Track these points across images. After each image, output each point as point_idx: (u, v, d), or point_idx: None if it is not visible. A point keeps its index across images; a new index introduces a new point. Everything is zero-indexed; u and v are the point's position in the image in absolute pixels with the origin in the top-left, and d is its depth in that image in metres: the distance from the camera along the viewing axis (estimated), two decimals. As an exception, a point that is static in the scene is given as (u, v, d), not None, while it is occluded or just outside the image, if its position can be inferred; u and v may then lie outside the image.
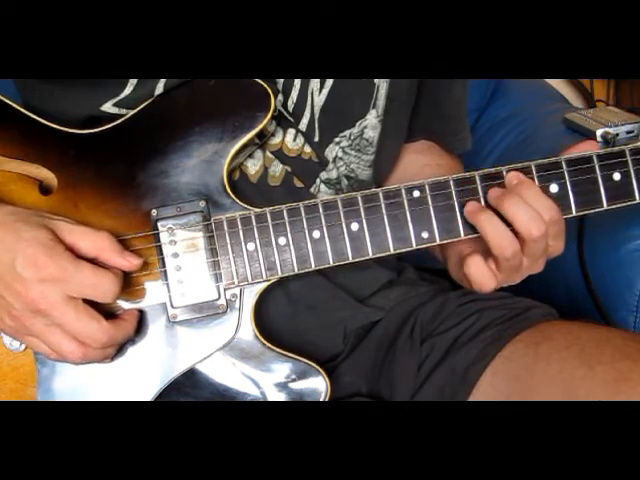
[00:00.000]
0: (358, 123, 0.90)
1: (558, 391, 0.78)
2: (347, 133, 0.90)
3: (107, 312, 0.75)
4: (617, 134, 1.24)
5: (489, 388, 0.84)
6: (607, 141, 1.23)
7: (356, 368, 0.94)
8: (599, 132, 1.25)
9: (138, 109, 0.81)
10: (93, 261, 0.74)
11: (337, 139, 0.89)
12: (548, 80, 1.61)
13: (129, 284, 0.77)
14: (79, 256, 0.73)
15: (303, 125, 0.87)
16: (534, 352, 0.83)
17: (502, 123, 1.46)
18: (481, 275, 0.78)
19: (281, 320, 0.87)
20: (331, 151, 0.89)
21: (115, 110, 0.83)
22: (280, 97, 0.85)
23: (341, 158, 0.90)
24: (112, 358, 0.77)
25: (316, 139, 0.88)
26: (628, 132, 1.24)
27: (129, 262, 0.75)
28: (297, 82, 0.86)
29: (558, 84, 1.68)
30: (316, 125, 0.88)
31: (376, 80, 0.89)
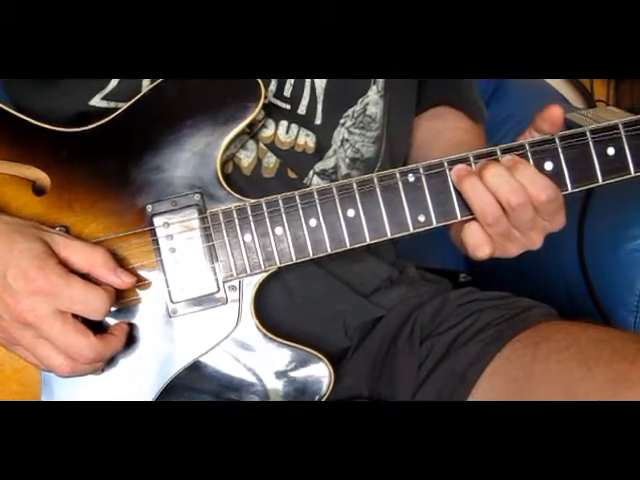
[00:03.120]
0: (360, 100, 0.91)
1: (557, 392, 0.78)
2: (350, 112, 0.90)
3: (97, 324, 0.75)
4: (617, 134, 1.24)
5: (488, 388, 0.84)
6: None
7: (357, 369, 0.93)
8: (599, 132, 1.25)
9: (128, 104, 0.80)
10: (86, 276, 0.73)
11: (342, 120, 0.90)
12: (548, 80, 1.61)
13: None
14: (72, 271, 0.72)
15: (303, 108, 0.87)
16: (533, 353, 0.83)
17: (502, 123, 1.46)
18: (476, 241, 0.78)
19: (281, 312, 0.87)
20: (338, 134, 0.90)
21: (104, 104, 0.84)
22: (273, 87, 0.85)
23: (347, 140, 0.91)
24: (102, 371, 0.77)
25: (318, 122, 0.88)
26: (628, 132, 1.24)
27: (121, 280, 0.75)
28: None
29: (558, 84, 1.69)
30: (318, 108, 0.88)
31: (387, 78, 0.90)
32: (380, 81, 0.92)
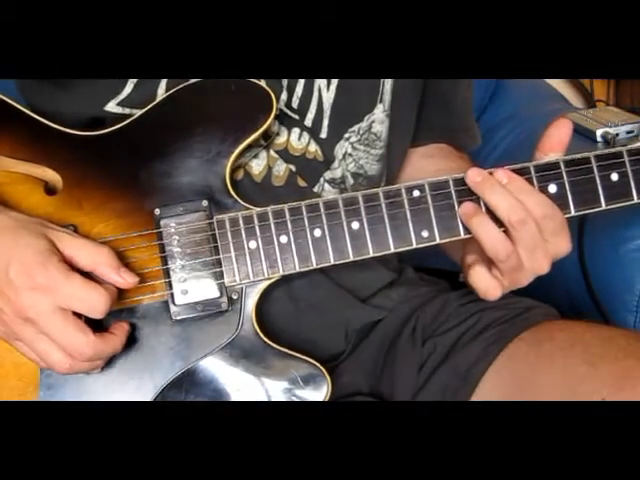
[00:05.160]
0: (366, 117, 0.91)
1: (561, 389, 0.78)
2: (356, 128, 0.90)
3: (99, 323, 0.75)
4: (617, 134, 1.24)
5: (492, 387, 0.84)
6: (607, 141, 1.24)
7: (357, 368, 0.94)
8: (599, 132, 1.25)
9: (142, 111, 0.81)
10: (90, 275, 0.74)
11: (347, 135, 0.90)
12: (548, 80, 1.61)
13: None
14: (76, 269, 0.73)
15: (309, 121, 0.88)
16: (536, 351, 0.83)
17: (502, 123, 1.46)
18: (486, 285, 0.79)
19: (283, 319, 0.87)
20: (341, 148, 0.90)
21: (119, 110, 0.84)
22: (284, 96, 0.86)
23: (350, 154, 0.91)
24: (102, 369, 0.77)
25: (323, 135, 0.89)
26: (628, 132, 1.25)
27: (124, 280, 0.75)
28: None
29: (558, 84, 1.69)
30: (325, 122, 0.88)
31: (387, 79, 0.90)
32: (387, 100, 0.92)
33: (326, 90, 0.87)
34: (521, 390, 0.82)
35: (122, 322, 0.78)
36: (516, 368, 0.84)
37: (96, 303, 0.72)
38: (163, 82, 0.83)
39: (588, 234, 1.09)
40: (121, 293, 0.77)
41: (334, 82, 0.87)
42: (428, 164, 1.04)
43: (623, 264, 1.07)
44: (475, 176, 0.77)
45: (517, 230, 0.76)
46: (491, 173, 0.78)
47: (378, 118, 0.92)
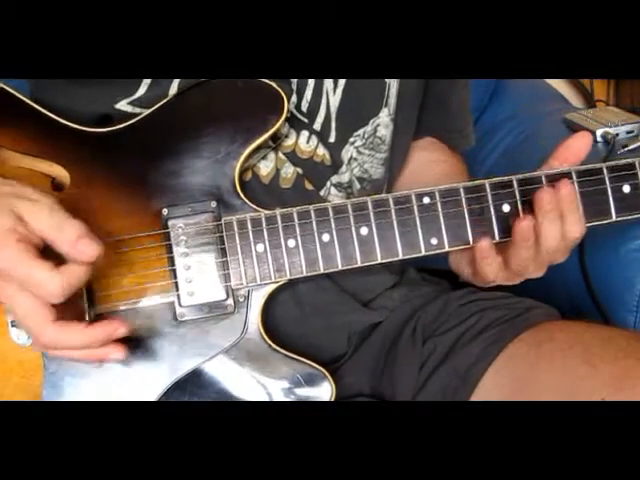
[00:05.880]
0: (371, 121, 0.91)
1: (561, 389, 0.78)
2: (361, 132, 0.90)
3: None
4: (617, 134, 1.24)
5: (491, 387, 0.85)
6: (607, 141, 1.23)
7: (359, 368, 0.94)
8: (599, 132, 1.25)
9: (152, 109, 0.81)
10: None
11: (352, 139, 0.90)
12: (548, 80, 1.62)
13: (137, 282, 0.78)
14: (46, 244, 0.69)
15: (318, 124, 0.88)
16: (536, 351, 0.83)
17: (502, 123, 1.46)
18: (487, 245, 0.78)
19: (288, 323, 0.87)
20: (346, 152, 0.90)
21: (129, 108, 0.84)
22: (294, 98, 0.86)
23: (355, 159, 0.91)
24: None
25: (331, 139, 0.89)
26: (628, 132, 1.25)
27: (80, 252, 0.68)
28: (311, 81, 0.86)
29: (558, 84, 1.69)
30: (332, 125, 0.88)
31: (387, 79, 0.90)
32: (392, 104, 0.92)
33: (332, 93, 0.87)
34: (521, 390, 0.82)
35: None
36: (516, 368, 0.84)
37: (49, 287, 0.67)
38: (175, 84, 0.83)
39: (588, 234, 1.09)
40: (126, 292, 0.77)
41: (340, 86, 0.87)
42: (423, 155, 1.04)
43: (623, 264, 1.06)
44: (546, 198, 0.77)
45: (547, 252, 0.78)
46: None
47: (383, 122, 0.92)
